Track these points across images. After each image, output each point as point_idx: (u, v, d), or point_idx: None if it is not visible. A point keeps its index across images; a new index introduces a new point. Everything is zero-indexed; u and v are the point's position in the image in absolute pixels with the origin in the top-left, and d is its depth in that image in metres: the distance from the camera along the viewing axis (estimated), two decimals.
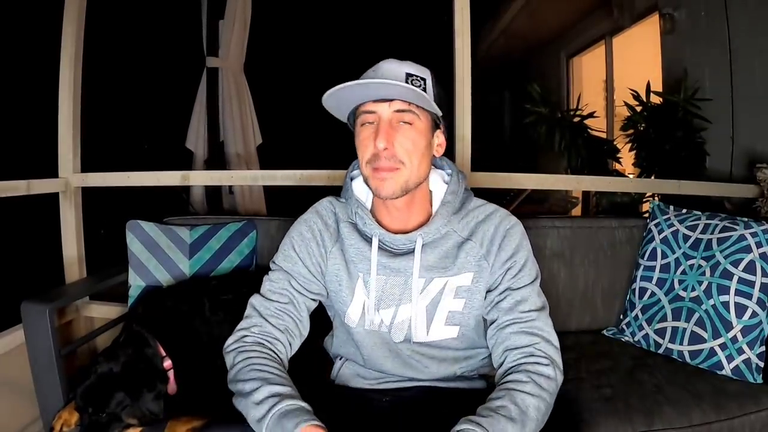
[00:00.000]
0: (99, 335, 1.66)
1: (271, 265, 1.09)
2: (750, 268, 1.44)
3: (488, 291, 1.04)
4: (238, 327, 1.02)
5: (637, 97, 2.60)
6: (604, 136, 3.14)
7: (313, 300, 1.10)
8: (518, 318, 0.98)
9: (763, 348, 1.41)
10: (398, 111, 0.95)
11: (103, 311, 1.85)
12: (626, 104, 2.64)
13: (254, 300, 1.05)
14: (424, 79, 0.98)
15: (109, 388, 1.16)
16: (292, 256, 1.07)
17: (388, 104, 0.95)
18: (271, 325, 1.01)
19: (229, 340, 1.01)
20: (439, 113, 1.00)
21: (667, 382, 1.37)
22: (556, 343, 0.98)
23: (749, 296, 1.42)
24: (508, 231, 1.04)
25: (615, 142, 2.86)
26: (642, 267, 1.67)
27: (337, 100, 0.97)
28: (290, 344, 1.04)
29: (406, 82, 0.94)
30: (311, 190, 1.67)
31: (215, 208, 2.58)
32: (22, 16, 2.70)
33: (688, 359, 1.47)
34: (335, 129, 1.15)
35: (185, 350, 1.30)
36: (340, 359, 1.18)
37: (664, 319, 1.55)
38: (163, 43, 3.30)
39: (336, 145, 1.32)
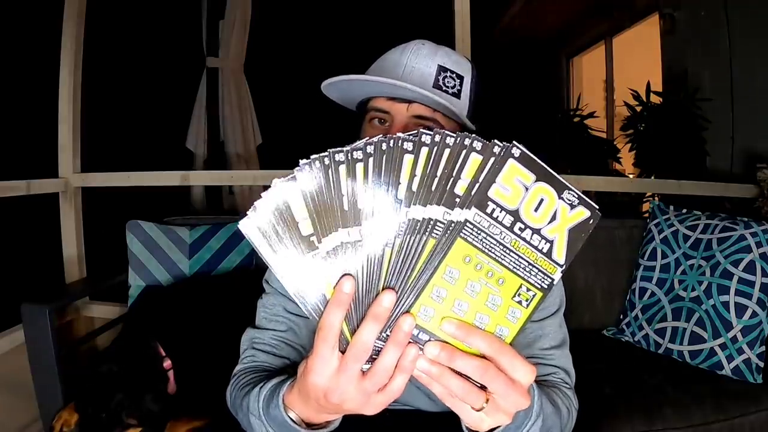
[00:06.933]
0: (99, 335, 1.66)
1: (264, 286, 0.89)
2: (750, 268, 1.44)
3: None
4: (233, 374, 0.81)
5: (637, 97, 2.60)
6: (604, 136, 3.15)
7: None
8: (536, 354, 0.83)
9: (763, 348, 1.41)
10: (418, 117, 0.75)
11: (103, 311, 1.85)
12: (626, 104, 2.65)
13: (246, 335, 0.84)
14: (461, 78, 0.79)
15: (109, 388, 1.15)
16: None
17: (406, 106, 0.75)
18: (266, 355, 0.81)
19: (227, 392, 0.81)
20: (472, 127, 0.77)
21: (667, 382, 1.37)
22: (574, 378, 0.84)
23: (749, 296, 1.42)
24: None
25: (615, 142, 2.86)
26: (642, 267, 1.67)
27: (341, 91, 0.79)
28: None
29: (437, 80, 0.77)
30: None
31: (215, 208, 2.58)
32: (22, 16, 2.70)
33: (688, 359, 1.47)
34: (336, 129, 1.14)
35: (185, 350, 1.30)
36: None
37: (664, 319, 1.55)
38: (163, 44, 3.30)
39: (337, 145, 1.31)
